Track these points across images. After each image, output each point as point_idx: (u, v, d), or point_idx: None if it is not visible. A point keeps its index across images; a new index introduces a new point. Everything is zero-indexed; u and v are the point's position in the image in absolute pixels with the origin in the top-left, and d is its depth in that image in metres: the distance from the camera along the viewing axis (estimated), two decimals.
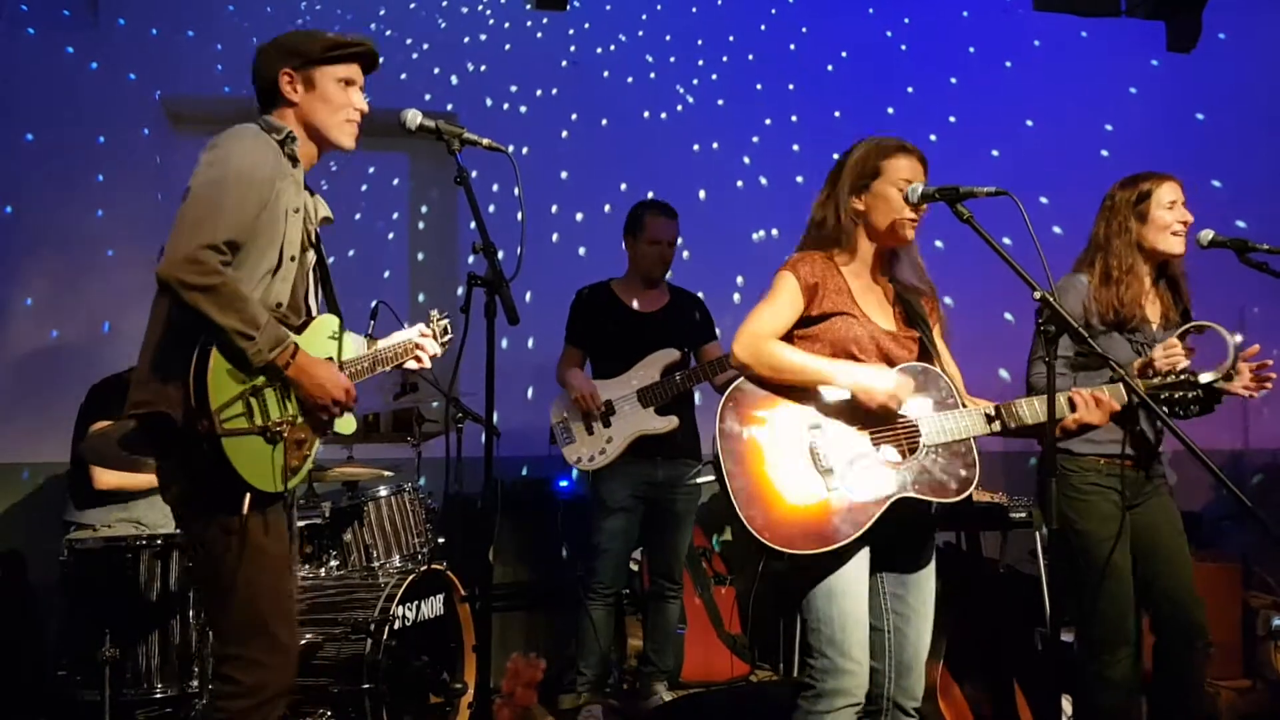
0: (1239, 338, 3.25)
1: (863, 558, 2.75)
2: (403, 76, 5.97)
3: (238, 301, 2.48)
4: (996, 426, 2.80)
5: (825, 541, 2.67)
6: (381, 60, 2.94)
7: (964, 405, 2.82)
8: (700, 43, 6.46)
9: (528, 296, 5.55)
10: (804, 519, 2.69)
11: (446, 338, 3.26)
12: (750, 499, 2.69)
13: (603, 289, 4.76)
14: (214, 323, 2.45)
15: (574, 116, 6.22)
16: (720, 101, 6.40)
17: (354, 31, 2.91)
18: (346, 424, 2.84)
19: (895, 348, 2.85)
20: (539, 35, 6.29)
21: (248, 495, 2.55)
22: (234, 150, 2.62)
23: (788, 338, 2.83)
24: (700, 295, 4.94)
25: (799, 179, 6.08)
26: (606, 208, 6.04)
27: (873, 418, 2.76)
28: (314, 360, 2.68)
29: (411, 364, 3.11)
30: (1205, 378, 3.17)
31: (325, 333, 2.85)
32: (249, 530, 2.57)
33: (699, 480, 4.54)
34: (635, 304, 4.71)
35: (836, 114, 6.29)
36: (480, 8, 6.22)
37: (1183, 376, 2.87)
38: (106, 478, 4.22)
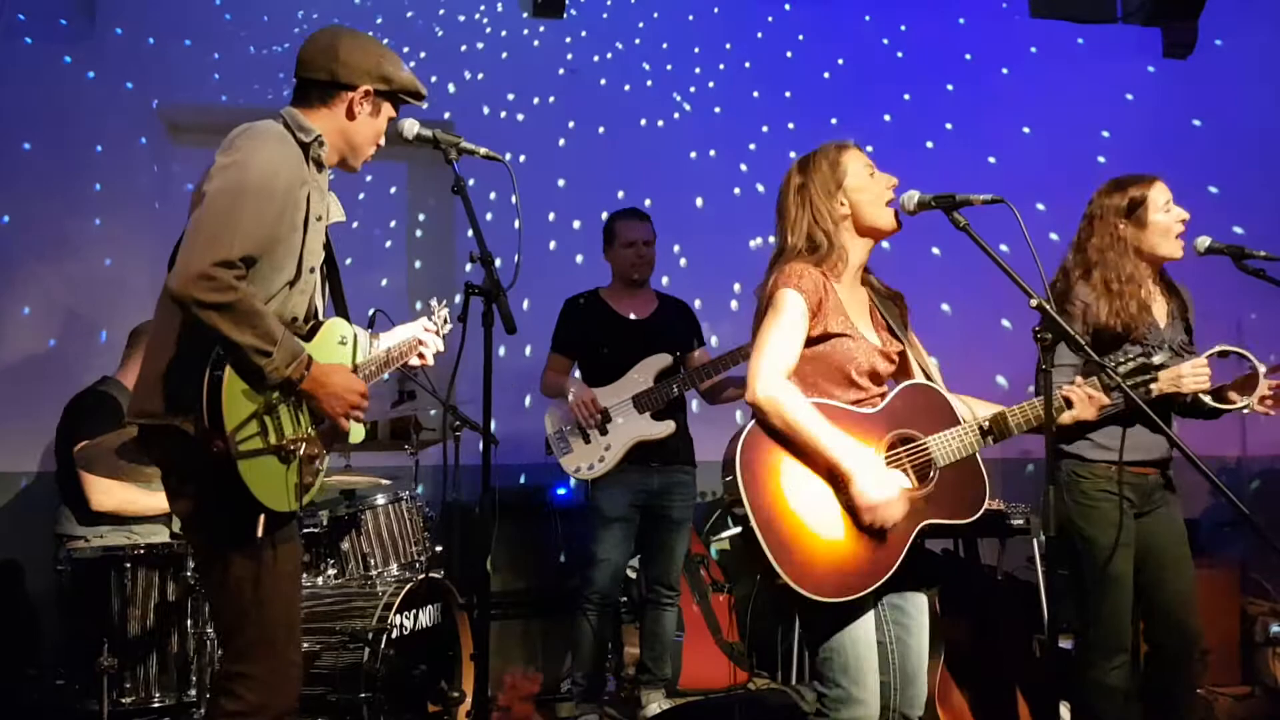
0: (1263, 367, 3.25)
1: None
2: None
3: (254, 317, 2.39)
4: (990, 441, 2.78)
5: (859, 585, 2.59)
6: None
7: (961, 417, 2.81)
8: (697, 50, 6.46)
9: (525, 305, 5.55)
10: (836, 564, 2.59)
11: (448, 328, 3.20)
12: (785, 549, 2.56)
13: (593, 297, 4.77)
14: (229, 340, 2.36)
15: (571, 124, 6.22)
16: (717, 109, 6.41)
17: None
18: (356, 432, 2.79)
19: (883, 363, 2.83)
20: (536, 43, 6.30)
21: (261, 518, 2.49)
22: (254, 155, 2.48)
23: None
24: (691, 303, 4.94)
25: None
26: (604, 216, 5.98)
27: (886, 444, 2.72)
28: (327, 369, 2.58)
29: (415, 360, 3.05)
30: (1238, 403, 3.22)
31: (334, 338, 2.78)
32: (262, 551, 2.52)
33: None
34: (625, 311, 4.71)
35: (834, 121, 6.30)
36: (477, 16, 6.22)
37: (1139, 361, 2.81)
38: (104, 500, 4.20)
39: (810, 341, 2.75)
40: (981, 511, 2.75)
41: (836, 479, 2.62)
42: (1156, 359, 2.82)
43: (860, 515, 2.59)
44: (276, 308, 2.56)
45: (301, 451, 2.56)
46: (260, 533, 2.49)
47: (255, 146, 2.50)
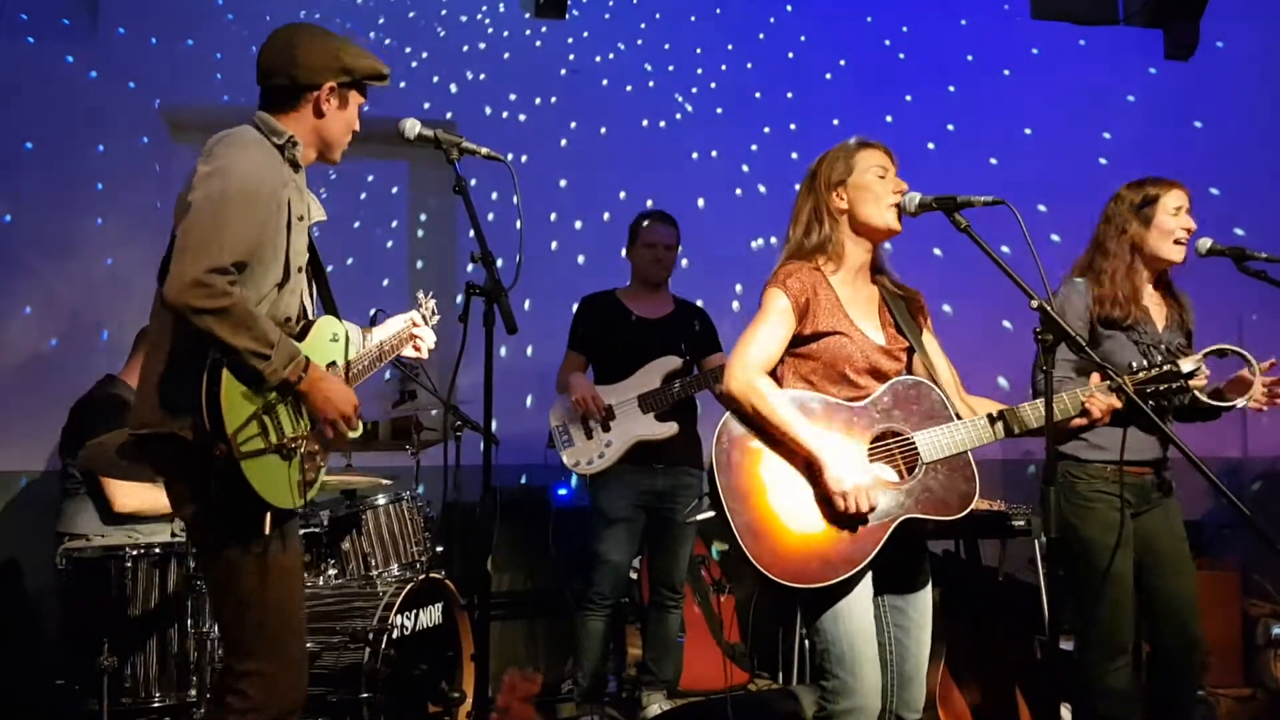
0: (1260, 367, 3.24)
1: (866, 576, 2.73)
2: (402, 85, 5.97)
3: (249, 320, 2.41)
4: (1000, 430, 2.77)
5: (833, 572, 2.64)
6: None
7: (958, 416, 2.80)
8: (699, 51, 6.47)
9: (526, 305, 5.55)
10: (809, 550, 2.65)
11: (435, 319, 3.26)
12: (754, 534, 2.64)
13: (608, 296, 4.77)
14: (226, 344, 2.38)
15: (573, 125, 6.22)
16: (719, 110, 6.41)
17: (367, 47, 2.81)
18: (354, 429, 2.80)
19: (886, 361, 2.84)
20: (538, 44, 6.30)
21: (268, 515, 2.51)
22: (236, 161, 2.50)
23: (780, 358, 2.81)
24: (700, 304, 4.94)
25: (798, 187, 6.08)
26: (605, 216, 6.04)
27: (870, 437, 2.74)
28: (324, 375, 2.61)
29: (410, 352, 3.08)
30: (1237, 404, 3.19)
31: (326, 336, 2.81)
32: (267, 549, 2.54)
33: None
34: (638, 311, 4.71)
35: (835, 122, 6.30)
36: (479, 16, 6.23)
37: (1166, 368, 2.82)
38: (126, 501, 4.19)
39: (804, 340, 2.80)
40: (968, 510, 2.74)
41: (812, 468, 2.67)
42: (1185, 366, 2.83)
43: (834, 502, 2.64)
44: (269, 309, 2.58)
45: (302, 448, 2.59)
46: (268, 530, 2.52)
47: (235, 153, 2.52)
